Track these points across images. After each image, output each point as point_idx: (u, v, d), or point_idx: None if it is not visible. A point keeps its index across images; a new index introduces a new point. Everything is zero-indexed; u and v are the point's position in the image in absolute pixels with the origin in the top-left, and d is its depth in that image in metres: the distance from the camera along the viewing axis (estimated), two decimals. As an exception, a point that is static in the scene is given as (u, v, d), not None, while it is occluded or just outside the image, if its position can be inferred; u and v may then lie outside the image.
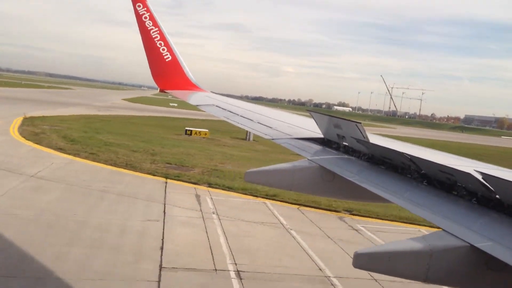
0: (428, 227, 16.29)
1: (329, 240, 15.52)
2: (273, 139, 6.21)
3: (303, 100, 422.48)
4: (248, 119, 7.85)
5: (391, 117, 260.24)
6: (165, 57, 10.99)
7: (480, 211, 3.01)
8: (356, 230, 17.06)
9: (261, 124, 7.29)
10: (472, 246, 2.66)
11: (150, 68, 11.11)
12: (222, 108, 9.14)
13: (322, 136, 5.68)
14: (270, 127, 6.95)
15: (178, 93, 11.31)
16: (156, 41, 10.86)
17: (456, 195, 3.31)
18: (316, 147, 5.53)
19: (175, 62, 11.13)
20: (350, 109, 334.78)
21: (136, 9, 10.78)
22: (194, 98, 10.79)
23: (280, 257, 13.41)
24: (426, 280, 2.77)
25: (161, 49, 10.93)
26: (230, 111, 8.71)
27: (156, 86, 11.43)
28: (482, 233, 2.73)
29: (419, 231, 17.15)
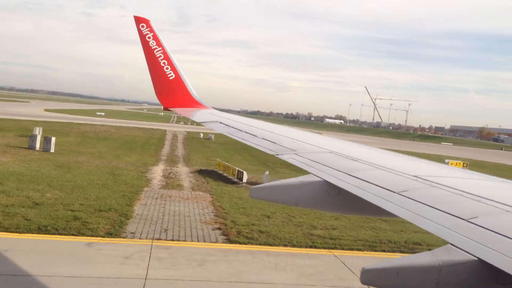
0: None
1: None
2: (277, 154, 6.23)
3: (301, 113, 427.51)
4: (252, 135, 7.88)
5: (367, 128, 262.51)
6: (168, 75, 11.10)
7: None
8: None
9: (265, 139, 7.31)
10: (480, 260, 2.63)
11: (153, 86, 11.22)
12: (226, 125, 9.19)
13: (327, 150, 5.69)
14: (274, 143, 6.97)
15: (182, 111, 11.39)
16: (160, 60, 10.99)
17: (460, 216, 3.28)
18: (321, 162, 5.52)
19: (178, 80, 11.24)
20: (342, 121, 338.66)
21: (140, 29, 10.94)
22: (197, 115, 10.86)
23: None
24: None
25: (164, 68, 11.05)
26: (234, 127, 8.76)
27: (157, 102, 11.57)
28: (492, 246, 2.70)
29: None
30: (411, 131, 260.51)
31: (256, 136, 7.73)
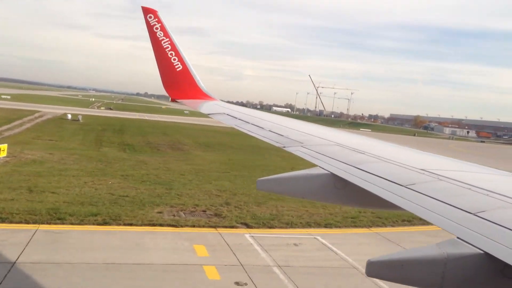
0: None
1: None
2: (284, 147, 6.22)
3: (251, 101, 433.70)
4: (259, 127, 7.87)
5: (310, 116, 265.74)
6: (176, 67, 11.08)
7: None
8: None
9: (272, 132, 7.30)
10: (487, 253, 2.62)
11: (161, 78, 11.20)
12: (233, 117, 9.17)
13: (334, 143, 5.68)
14: (282, 135, 6.96)
15: (189, 102, 11.37)
16: (167, 52, 10.96)
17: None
18: (328, 154, 5.51)
19: (186, 71, 11.22)
20: (289, 110, 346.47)
21: (147, 20, 10.90)
22: (205, 107, 10.85)
23: None
24: None
25: (172, 59, 11.02)
26: (240, 119, 8.75)
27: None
28: (498, 240, 2.70)
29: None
30: (350, 119, 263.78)
31: (263, 128, 7.72)
